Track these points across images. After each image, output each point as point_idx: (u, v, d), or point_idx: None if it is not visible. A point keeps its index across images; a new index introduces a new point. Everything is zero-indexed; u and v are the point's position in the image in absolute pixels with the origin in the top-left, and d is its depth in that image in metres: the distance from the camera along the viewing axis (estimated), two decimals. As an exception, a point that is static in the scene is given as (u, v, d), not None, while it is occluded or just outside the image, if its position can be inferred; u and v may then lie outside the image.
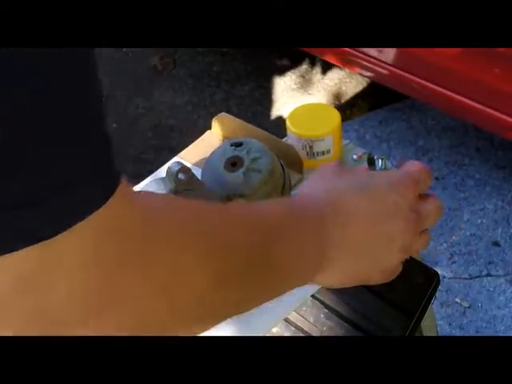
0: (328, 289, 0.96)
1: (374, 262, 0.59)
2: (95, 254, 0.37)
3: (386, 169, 0.90)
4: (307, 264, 0.55)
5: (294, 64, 2.66)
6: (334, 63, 2.29)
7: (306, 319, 1.00)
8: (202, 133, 1.10)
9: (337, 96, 2.51)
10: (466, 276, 1.87)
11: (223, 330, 0.66)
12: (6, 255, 0.34)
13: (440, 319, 1.75)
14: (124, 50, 2.95)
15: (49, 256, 0.35)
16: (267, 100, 2.53)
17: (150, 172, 1.02)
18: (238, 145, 0.90)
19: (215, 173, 0.90)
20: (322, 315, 0.98)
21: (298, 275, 0.54)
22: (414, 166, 0.64)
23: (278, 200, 0.59)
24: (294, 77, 2.61)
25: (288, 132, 0.93)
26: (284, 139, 0.94)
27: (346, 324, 0.97)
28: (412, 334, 0.92)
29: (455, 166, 2.17)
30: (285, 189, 0.84)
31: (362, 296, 0.97)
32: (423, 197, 0.62)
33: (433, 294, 0.94)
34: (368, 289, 0.97)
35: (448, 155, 2.21)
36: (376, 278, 0.61)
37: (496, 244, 1.94)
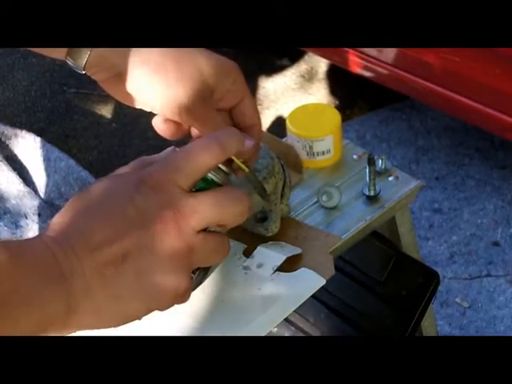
0: (328, 289, 0.96)
1: (134, 295, 0.53)
2: None
3: (385, 169, 0.90)
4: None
5: (293, 64, 2.66)
6: (334, 63, 2.29)
7: (306, 319, 1.00)
8: (202, 133, 1.09)
9: (337, 96, 2.51)
10: (466, 276, 1.87)
11: (223, 330, 0.66)
12: None
13: (440, 319, 1.75)
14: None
15: None
16: (267, 100, 2.53)
17: (150, 172, 1.02)
18: (238, 145, 0.90)
19: (215, 173, 0.89)
20: (322, 315, 0.98)
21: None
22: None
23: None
24: (294, 77, 2.61)
25: (288, 132, 0.93)
26: (284, 139, 0.94)
27: (346, 324, 0.97)
28: (412, 334, 0.92)
29: (455, 166, 2.17)
30: (285, 189, 0.83)
31: (362, 296, 0.97)
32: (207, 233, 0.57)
33: (433, 294, 0.94)
34: (368, 289, 0.97)
35: (448, 155, 2.21)
36: (155, 306, 0.54)
37: (496, 244, 1.94)
